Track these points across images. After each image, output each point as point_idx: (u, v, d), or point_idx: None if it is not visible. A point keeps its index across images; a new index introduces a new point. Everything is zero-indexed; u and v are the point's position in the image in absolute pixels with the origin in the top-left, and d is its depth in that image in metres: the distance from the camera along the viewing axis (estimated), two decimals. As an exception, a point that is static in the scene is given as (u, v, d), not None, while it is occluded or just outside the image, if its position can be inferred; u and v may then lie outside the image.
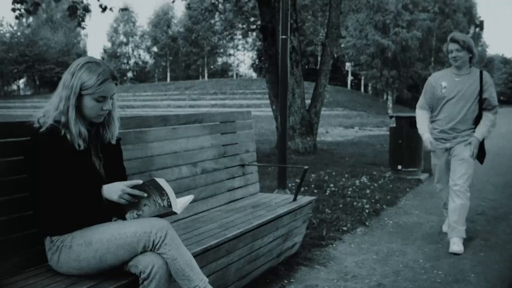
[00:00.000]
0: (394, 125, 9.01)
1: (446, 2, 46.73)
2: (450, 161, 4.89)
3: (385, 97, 47.39)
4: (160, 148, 3.51)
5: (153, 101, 48.01)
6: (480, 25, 38.16)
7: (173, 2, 16.40)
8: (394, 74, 42.25)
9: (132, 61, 79.32)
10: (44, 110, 2.47)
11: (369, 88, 58.84)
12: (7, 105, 50.97)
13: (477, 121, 4.76)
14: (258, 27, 18.03)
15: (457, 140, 4.80)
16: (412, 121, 8.78)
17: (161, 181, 2.37)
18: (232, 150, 4.35)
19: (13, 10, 12.53)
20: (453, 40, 4.69)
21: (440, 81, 4.85)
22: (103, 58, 74.86)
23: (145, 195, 2.41)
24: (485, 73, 4.77)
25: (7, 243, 2.42)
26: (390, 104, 42.73)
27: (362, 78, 55.45)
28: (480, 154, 4.86)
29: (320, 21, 47.99)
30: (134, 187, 2.40)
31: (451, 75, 4.82)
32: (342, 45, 43.24)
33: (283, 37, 5.86)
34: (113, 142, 2.68)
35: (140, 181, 2.42)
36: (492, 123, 4.76)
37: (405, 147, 8.79)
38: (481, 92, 4.69)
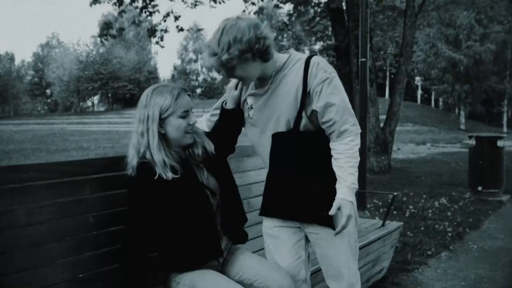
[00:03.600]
0: (474, 144, 8.86)
1: (521, 13, 45.18)
2: None
3: (457, 112, 46.10)
4: (256, 176, 3.67)
5: (222, 117, 48.70)
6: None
7: None
8: (467, 89, 41.06)
9: (201, 78, 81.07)
10: (131, 153, 2.38)
11: (440, 102, 57.42)
12: (83, 120, 53.29)
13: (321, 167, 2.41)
14: (326, 46, 18.12)
15: None
16: (493, 140, 8.65)
17: None
18: (320, 176, 4.45)
19: (100, 36, 13.23)
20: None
21: (248, 94, 2.54)
22: (173, 76, 77.06)
23: None
24: (315, 59, 2.32)
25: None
26: (462, 119, 41.53)
27: (433, 92, 54.20)
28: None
29: (388, 35, 47.44)
30: None
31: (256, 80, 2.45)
32: (412, 60, 42.48)
33: (363, 60, 5.95)
34: (213, 150, 2.54)
35: None
36: (355, 159, 2.31)
37: (485, 167, 8.60)
38: (304, 99, 2.29)
